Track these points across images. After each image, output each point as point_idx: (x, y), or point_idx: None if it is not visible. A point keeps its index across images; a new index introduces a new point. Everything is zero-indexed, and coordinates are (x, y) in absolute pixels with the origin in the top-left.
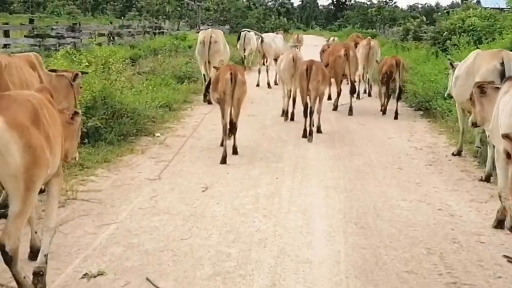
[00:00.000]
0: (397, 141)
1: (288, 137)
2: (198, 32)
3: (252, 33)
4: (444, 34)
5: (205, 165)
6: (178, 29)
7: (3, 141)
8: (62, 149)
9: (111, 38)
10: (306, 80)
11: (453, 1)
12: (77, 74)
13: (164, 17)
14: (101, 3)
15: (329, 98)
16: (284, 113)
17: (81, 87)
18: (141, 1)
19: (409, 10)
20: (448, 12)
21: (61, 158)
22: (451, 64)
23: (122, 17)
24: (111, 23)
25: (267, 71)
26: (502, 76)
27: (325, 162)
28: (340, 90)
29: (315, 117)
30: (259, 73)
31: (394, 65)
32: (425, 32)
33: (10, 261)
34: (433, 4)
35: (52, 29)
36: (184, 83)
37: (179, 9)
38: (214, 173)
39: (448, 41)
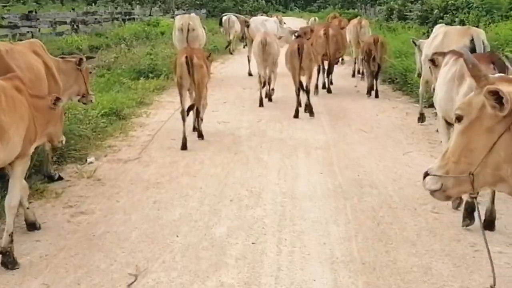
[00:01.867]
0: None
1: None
2: (172, 18)
3: (234, 17)
4: (435, 12)
5: (145, 228)
6: (150, 15)
7: None
8: (30, 134)
9: (75, 27)
10: (298, 59)
11: None
12: (81, 59)
13: (138, 2)
14: None
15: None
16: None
17: (90, 72)
18: None
19: None
20: None
21: (28, 142)
22: (413, 42)
23: (94, 4)
24: (73, 9)
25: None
26: (473, 53)
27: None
28: (319, 70)
29: (303, 96)
30: (249, 61)
31: (373, 43)
32: (410, 11)
33: None
34: None
35: (3, 17)
36: (143, 79)
37: None
38: (157, 245)
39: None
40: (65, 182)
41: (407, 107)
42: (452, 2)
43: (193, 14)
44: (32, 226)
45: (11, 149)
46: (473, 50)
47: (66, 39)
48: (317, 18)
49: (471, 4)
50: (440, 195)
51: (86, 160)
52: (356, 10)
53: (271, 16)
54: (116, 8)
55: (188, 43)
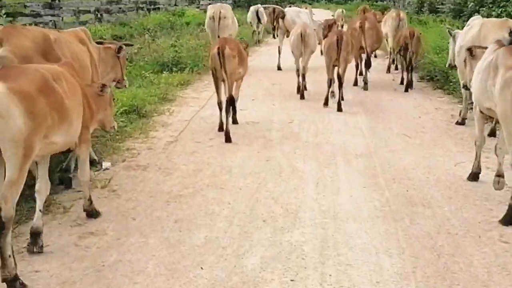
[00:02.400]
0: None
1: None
2: (198, 8)
3: (262, 8)
4: (470, 5)
5: (164, 256)
6: (175, 5)
7: (3, 105)
8: (86, 119)
9: (99, 16)
10: (336, 51)
11: None
12: (121, 47)
13: None
14: None
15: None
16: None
17: (127, 59)
18: None
19: None
20: None
21: (85, 127)
22: (449, 32)
23: None
24: None
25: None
26: None
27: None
28: (358, 64)
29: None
30: (279, 53)
31: (409, 36)
32: (442, 4)
33: (2, 227)
34: None
35: (26, 6)
36: (167, 72)
37: None
38: (178, 279)
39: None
40: (75, 193)
41: (451, 108)
42: None
43: (224, 4)
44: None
45: (73, 132)
46: (511, 43)
47: (89, 29)
48: (344, 10)
49: None
50: None
51: (102, 166)
52: (385, 2)
53: (301, 8)
54: None
55: (219, 31)
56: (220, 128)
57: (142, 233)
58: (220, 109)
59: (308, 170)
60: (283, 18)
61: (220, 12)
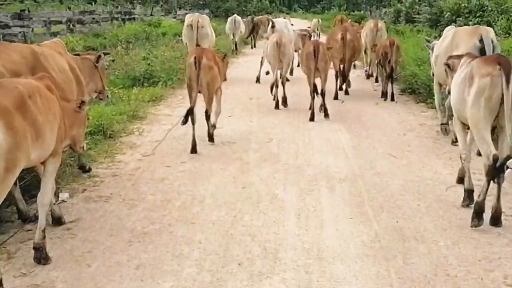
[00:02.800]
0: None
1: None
2: (174, 18)
3: (239, 17)
4: (446, 15)
5: None
6: (152, 15)
7: None
8: (61, 133)
9: (71, 26)
10: (314, 60)
11: None
12: (99, 56)
13: (139, 2)
14: None
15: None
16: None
17: (106, 68)
18: None
19: None
20: None
21: (59, 141)
22: (427, 45)
23: (94, 2)
24: (69, 8)
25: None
26: (482, 53)
27: None
28: (337, 74)
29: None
30: (261, 64)
31: (389, 46)
32: (418, 13)
33: None
34: None
35: None
36: (138, 87)
37: None
38: None
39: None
40: (23, 234)
41: (435, 123)
42: (465, 5)
43: (204, 15)
44: (56, 222)
45: (46, 147)
46: (482, 49)
47: (61, 40)
48: (320, 20)
49: (485, 8)
50: None
51: (58, 197)
52: (361, 12)
53: (275, 17)
54: (117, 7)
55: (197, 40)
56: (193, 149)
57: (97, 284)
58: (193, 121)
59: (288, 199)
60: (273, 27)
61: (198, 21)
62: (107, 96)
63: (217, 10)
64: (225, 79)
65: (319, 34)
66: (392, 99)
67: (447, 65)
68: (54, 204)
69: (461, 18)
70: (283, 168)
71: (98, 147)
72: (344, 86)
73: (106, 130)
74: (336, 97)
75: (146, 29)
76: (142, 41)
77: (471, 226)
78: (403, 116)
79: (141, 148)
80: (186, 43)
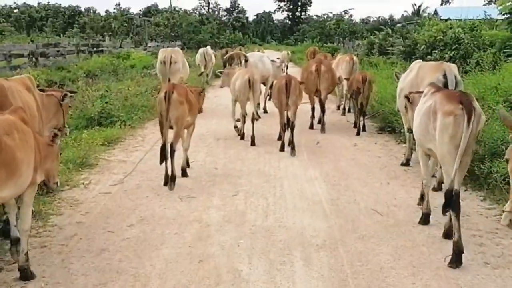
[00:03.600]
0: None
1: None
2: (145, 50)
3: (210, 49)
4: (422, 48)
5: None
6: (121, 47)
7: None
8: (37, 165)
9: (34, 59)
10: (285, 94)
11: (403, 14)
12: (65, 94)
13: (110, 34)
14: (36, 20)
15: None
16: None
17: (69, 106)
18: (84, 17)
19: (363, 23)
20: (417, 24)
21: (35, 172)
22: (396, 76)
23: (62, 35)
24: (32, 41)
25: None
26: (446, 87)
27: None
28: (314, 107)
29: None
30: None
31: (361, 81)
32: (392, 46)
33: None
34: (387, 17)
35: None
36: (91, 129)
37: (126, 25)
38: None
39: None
40: None
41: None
42: (441, 37)
43: (176, 48)
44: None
45: (23, 182)
46: (445, 84)
47: (22, 74)
48: (289, 52)
49: (461, 40)
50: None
51: None
52: (334, 44)
53: (248, 49)
54: (86, 39)
55: (170, 74)
56: (166, 183)
57: None
58: (165, 157)
59: (254, 278)
60: (246, 61)
61: (171, 56)
62: (65, 133)
63: (190, 42)
64: (200, 111)
65: (287, 65)
66: (363, 130)
67: (407, 97)
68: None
69: (436, 51)
70: (249, 231)
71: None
72: (321, 118)
73: (46, 183)
74: (311, 127)
75: (114, 61)
76: (109, 74)
77: (449, 266)
78: (384, 161)
79: (83, 206)
80: (160, 77)
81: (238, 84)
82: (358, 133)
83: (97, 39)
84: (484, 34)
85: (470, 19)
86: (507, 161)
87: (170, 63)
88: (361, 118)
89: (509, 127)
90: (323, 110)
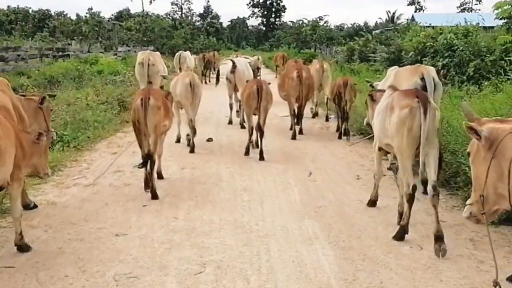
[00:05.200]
0: None
1: None
2: (115, 55)
3: (185, 52)
4: (410, 54)
5: None
6: (89, 51)
7: None
8: (18, 160)
9: None
10: (257, 100)
11: (377, 22)
12: (44, 97)
13: (81, 38)
14: (4, 23)
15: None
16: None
17: (51, 110)
18: (54, 21)
19: (338, 29)
20: (395, 30)
21: (18, 166)
22: (371, 85)
23: (31, 39)
24: None
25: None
26: (424, 91)
27: None
28: (295, 113)
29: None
30: (231, 108)
31: (342, 85)
32: (373, 52)
33: None
34: (362, 23)
35: None
36: None
37: (97, 29)
38: None
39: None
40: None
41: (455, 221)
42: (431, 43)
43: (156, 52)
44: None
45: (6, 171)
46: (424, 87)
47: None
48: (260, 57)
49: (454, 47)
50: (471, 219)
51: None
52: (312, 50)
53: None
54: (55, 43)
55: (149, 77)
56: (146, 186)
57: None
58: (145, 165)
59: None
60: (234, 68)
61: (149, 59)
62: (52, 137)
63: (163, 47)
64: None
65: (259, 70)
66: (344, 135)
67: (370, 96)
68: None
69: (427, 58)
70: None
71: None
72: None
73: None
74: (294, 137)
75: (79, 67)
76: (73, 80)
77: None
78: (381, 195)
79: None
80: (138, 80)
81: (178, 89)
82: (339, 137)
83: (62, 43)
84: (479, 40)
85: (462, 25)
86: (468, 154)
87: (148, 65)
88: (345, 123)
89: (471, 120)
90: (301, 117)
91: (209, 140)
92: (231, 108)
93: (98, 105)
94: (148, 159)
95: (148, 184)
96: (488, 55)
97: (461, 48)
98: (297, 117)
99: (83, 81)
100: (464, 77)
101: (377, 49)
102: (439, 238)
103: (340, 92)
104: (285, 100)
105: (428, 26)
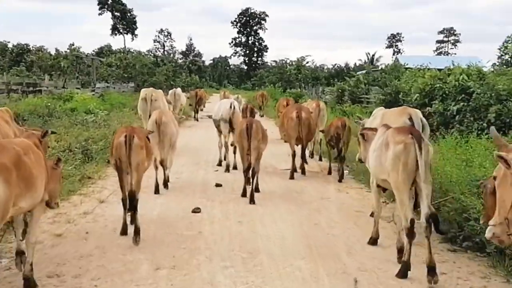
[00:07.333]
0: None
1: None
2: (93, 91)
3: (179, 90)
4: (415, 97)
5: None
6: (64, 87)
7: None
8: (46, 185)
9: None
10: (246, 139)
11: (356, 63)
12: (46, 132)
13: (59, 73)
14: None
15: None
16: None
17: (48, 147)
18: (31, 55)
19: (319, 70)
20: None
21: (45, 190)
22: (359, 118)
23: (6, 73)
24: None
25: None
26: None
27: None
28: (295, 154)
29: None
30: (226, 149)
31: (340, 127)
32: (366, 93)
33: None
34: (342, 64)
35: None
36: None
37: (75, 64)
38: None
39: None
40: None
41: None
42: (440, 85)
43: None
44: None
45: (37, 196)
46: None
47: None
48: (240, 96)
49: (469, 90)
50: (494, 240)
51: None
52: (298, 90)
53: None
54: (30, 77)
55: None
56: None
57: None
58: (125, 207)
59: None
60: (233, 112)
61: (152, 95)
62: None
63: (144, 84)
64: None
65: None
66: (341, 178)
67: (362, 135)
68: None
69: (436, 102)
70: None
71: None
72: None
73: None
74: (292, 177)
75: (49, 103)
76: (42, 118)
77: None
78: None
79: None
80: (140, 114)
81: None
82: (340, 180)
83: (34, 78)
84: (498, 81)
85: (476, 66)
86: (494, 178)
87: (151, 100)
88: (340, 164)
89: (499, 145)
90: (303, 157)
91: (218, 185)
92: (226, 148)
93: (57, 153)
94: (131, 199)
95: (126, 229)
96: (511, 100)
97: (478, 91)
98: (301, 157)
99: (52, 119)
100: (484, 124)
101: (371, 90)
102: (432, 269)
103: (338, 133)
104: (286, 142)
105: (421, 68)
